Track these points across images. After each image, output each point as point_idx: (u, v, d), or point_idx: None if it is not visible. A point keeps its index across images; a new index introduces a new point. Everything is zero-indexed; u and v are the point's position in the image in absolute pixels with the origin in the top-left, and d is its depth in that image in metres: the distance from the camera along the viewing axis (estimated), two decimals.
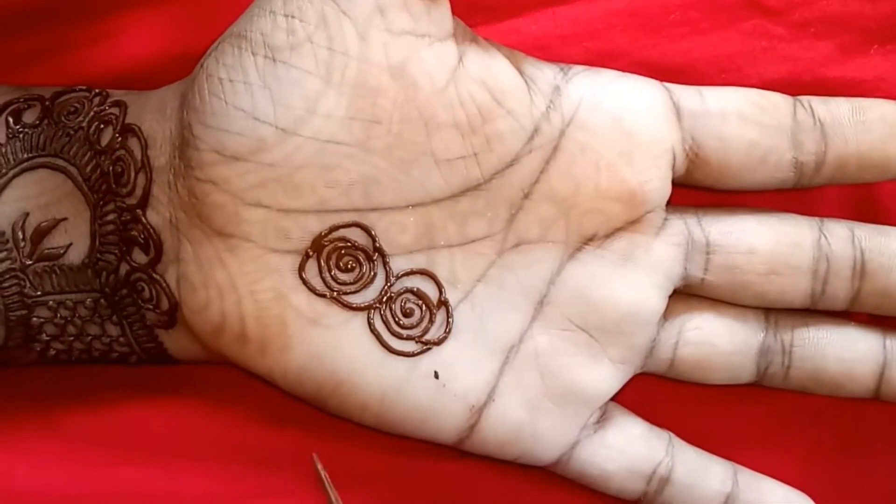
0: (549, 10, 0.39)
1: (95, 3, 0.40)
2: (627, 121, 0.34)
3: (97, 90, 0.37)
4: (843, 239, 0.35)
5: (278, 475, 0.38)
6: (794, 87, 0.37)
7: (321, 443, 0.38)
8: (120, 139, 0.35)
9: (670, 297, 0.35)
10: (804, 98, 0.35)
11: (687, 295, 0.36)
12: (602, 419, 0.36)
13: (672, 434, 0.37)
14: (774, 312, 0.36)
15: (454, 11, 0.34)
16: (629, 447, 0.36)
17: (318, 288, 0.34)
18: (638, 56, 0.38)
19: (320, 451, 0.38)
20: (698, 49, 0.38)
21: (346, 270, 0.34)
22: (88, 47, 0.40)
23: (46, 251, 0.35)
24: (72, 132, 0.36)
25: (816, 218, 0.36)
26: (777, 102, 0.35)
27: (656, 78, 0.36)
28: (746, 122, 0.34)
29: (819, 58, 0.38)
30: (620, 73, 0.35)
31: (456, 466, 0.37)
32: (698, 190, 0.36)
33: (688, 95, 0.35)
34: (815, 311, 0.36)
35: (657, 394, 0.38)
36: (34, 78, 0.39)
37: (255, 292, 0.34)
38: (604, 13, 0.38)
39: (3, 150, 0.36)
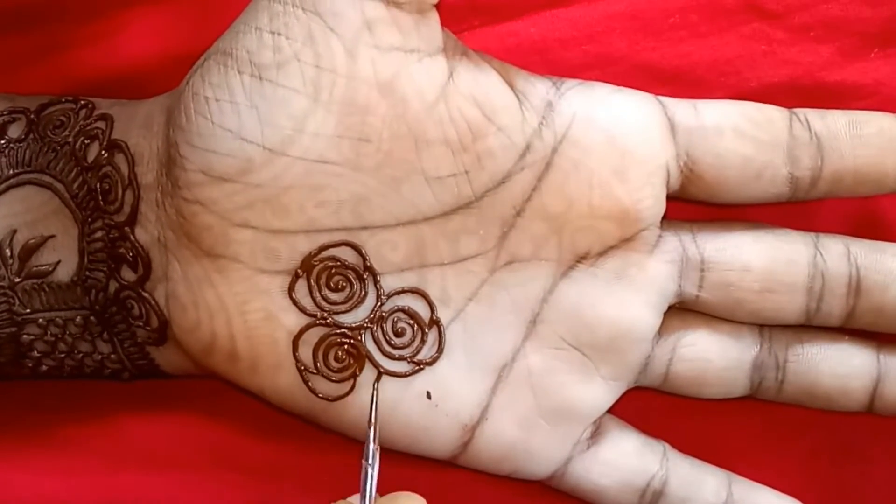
0: (549, 13, 0.38)
1: (93, 2, 0.39)
2: (621, 137, 0.34)
3: (83, 101, 0.36)
4: (838, 256, 0.35)
5: (274, 485, 0.38)
6: (793, 91, 0.37)
7: (315, 453, 0.38)
8: (106, 155, 0.34)
9: (665, 312, 0.35)
10: (800, 111, 0.34)
11: (681, 310, 0.36)
12: (596, 434, 0.36)
13: (667, 445, 0.36)
14: (769, 327, 0.36)
15: (452, 13, 0.34)
16: (622, 462, 0.36)
17: (308, 308, 0.34)
18: (637, 59, 0.38)
19: (314, 461, 0.38)
20: (698, 52, 0.38)
21: (336, 290, 0.34)
22: (86, 47, 0.39)
23: (35, 268, 0.35)
24: (58, 147, 0.35)
25: (812, 234, 0.35)
26: (773, 117, 0.34)
27: (655, 81, 0.36)
28: (742, 137, 0.34)
29: (819, 62, 0.37)
30: (614, 87, 0.34)
31: (451, 476, 0.37)
32: (693, 204, 0.35)
33: (682, 110, 0.34)
34: (809, 326, 0.36)
35: (654, 403, 0.38)
36: (30, 78, 0.39)
37: (245, 313, 0.33)
38: (603, 16, 0.38)
39: None
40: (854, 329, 0.36)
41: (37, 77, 0.39)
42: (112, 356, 0.36)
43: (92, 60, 0.39)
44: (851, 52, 0.37)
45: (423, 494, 0.37)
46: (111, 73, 0.39)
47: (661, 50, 0.37)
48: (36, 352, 0.36)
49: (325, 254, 0.33)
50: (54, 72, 0.39)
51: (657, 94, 0.35)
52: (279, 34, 0.32)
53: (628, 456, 0.36)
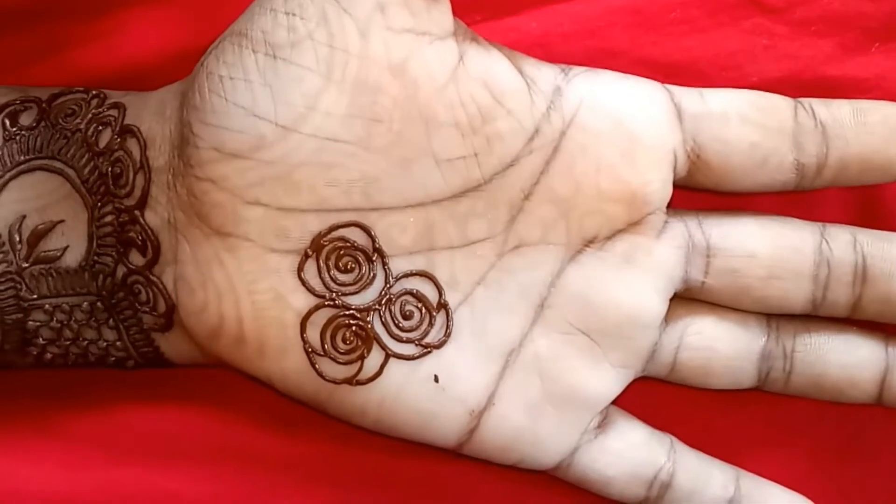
0: (550, 8, 0.39)
1: (96, 1, 0.40)
2: (628, 122, 0.34)
3: (95, 91, 0.37)
4: (844, 244, 0.35)
5: (276, 477, 0.38)
6: (794, 85, 0.37)
7: (319, 444, 0.38)
8: (119, 140, 0.35)
9: (672, 300, 0.35)
10: (805, 100, 0.35)
11: (688, 299, 0.36)
12: (603, 423, 0.35)
13: (674, 438, 0.36)
14: (776, 317, 0.36)
15: (454, 9, 0.34)
16: (630, 452, 0.35)
17: (317, 289, 0.34)
18: (638, 54, 0.38)
19: (317, 452, 0.38)
20: (699, 47, 0.38)
21: (345, 271, 0.34)
22: (88, 45, 0.40)
23: (43, 254, 0.35)
24: (69, 134, 0.36)
25: (818, 223, 0.36)
26: (778, 104, 0.35)
27: (657, 76, 0.36)
28: (748, 123, 0.34)
29: (820, 56, 0.38)
30: (621, 74, 0.35)
31: (456, 468, 0.37)
32: (699, 192, 0.36)
33: (689, 97, 0.35)
34: (816, 317, 0.36)
35: (659, 395, 0.37)
36: (34, 76, 0.39)
37: (254, 293, 0.33)
38: (604, 11, 0.38)
39: (0, 153, 0.36)
40: (861, 321, 0.36)
41: (40, 75, 0.40)
42: (117, 343, 0.36)
43: (95, 58, 0.40)
44: (852, 47, 0.38)
45: (424, 487, 0.37)
46: (115, 71, 0.39)
47: (663, 44, 0.38)
48: (41, 339, 0.36)
49: (334, 234, 0.33)
50: (58, 70, 0.40)
51: None
52: (294, 14, 0.32)
53: (636, 447, 0.35)
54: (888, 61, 0.38)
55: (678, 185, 0.35)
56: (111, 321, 0.36)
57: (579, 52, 0.38)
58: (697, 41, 0.38)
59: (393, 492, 0.37)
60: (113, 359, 0.36)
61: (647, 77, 0.36)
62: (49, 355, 0.36)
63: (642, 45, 0.38)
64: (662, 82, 0.36)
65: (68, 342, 0.36)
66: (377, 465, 0.37)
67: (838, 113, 0.35)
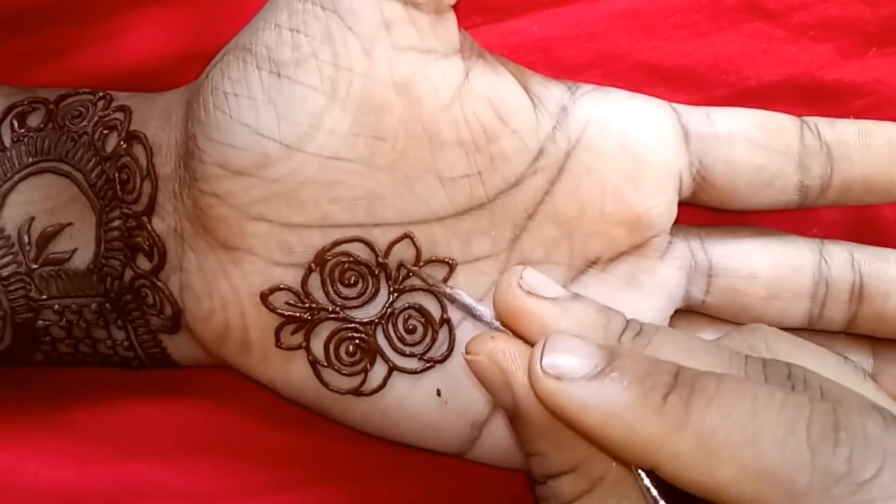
0: (551, 11, 0.38)
1: (99, 3, 0.39)
2: (635, 145, 0.34)
3: (101, 93, 0.37)
4: (842, 263, 0.35)
5: (283, 472, 0.38)
6: (793, 89, 0.38)
7: (325, 440, 0.38)
8: (125, 146, 0.35)
9: (672, 315, 0.35)
10: (810, 119, 0.35)
11: (687, 311, 0.36)
12: None
13: None
14: None
15: (456, 11, 0.34)
16: None
17: (320, 301, 0.34)
18: (638, 57, 0.38)
19: (323, 449, 0.38)
20: (699, 51, 0.38)
21: (349, 285, 0.34)
22: (92, 48, 0.39)
23: (52, 256, 0.36)
24: (76, 137, 0.36)
25: (817, 240, 0.36)
26: (784, 126, 0.34)
27: (656, 79, 0.36)
28: (754, 146, 0.34)
29: (818, 60, 0.38)
30: (629, 93, 0.35)
31: (459, 461, 0.38)
32: (702, 209, 0.36)
33: (696, 118, 0.35)
34: (810, 330, 0.36)
35: None
36: (38, 78, 0.39)
37: (259, 304, 0.34)
38: (605, 14, 0.38)
39: (9, 154, 0.36)
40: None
41: (44, 78, 0.40)
42: (125, 343, 0.36)
43: (99, 61, 0.40)
44: (850, 51, 0.38)
45: (429, 479, 0.38)
46: (119, 74, 0.39)
47: (663, 48, 0.38)
48: (51, 337, 0.36)
49: (337, 249, 0.34)
50: (61, 73, 0.40)
51: (658, 92, 0.35)
52: (298, 31, 0.32)
53: None
54: (885, 65, 0.38)
55: (681, 203, 0.35)
56: (120, 321, 0.36)
57: (579, 56, 0.38)
58: (697, 45, 0.38)
59: (397, 484, 0.38)
60: (118, 359, 0.37)
61: (647, 81, 0.36)
62: (57, 353, 0.37)
63: (642, 48, 0.38)
64: (662, 86, 0.36)
65: (77, 341, 0.37)
66: (382, 459, 0.38)
67: (843, 134, 0.34)
